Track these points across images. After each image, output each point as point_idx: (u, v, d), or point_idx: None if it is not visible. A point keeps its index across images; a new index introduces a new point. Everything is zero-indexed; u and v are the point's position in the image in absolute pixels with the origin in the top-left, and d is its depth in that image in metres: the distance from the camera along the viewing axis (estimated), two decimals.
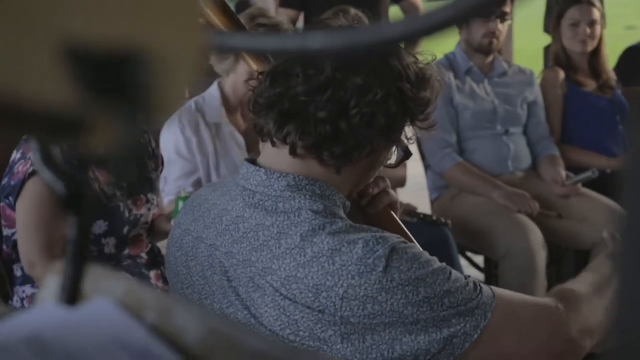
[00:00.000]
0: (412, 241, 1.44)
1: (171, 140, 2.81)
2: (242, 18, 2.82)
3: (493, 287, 1.33)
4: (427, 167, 3.60)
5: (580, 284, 1.45)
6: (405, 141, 1.40)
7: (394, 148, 1.41)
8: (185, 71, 0.37)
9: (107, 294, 0.64)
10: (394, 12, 4.63)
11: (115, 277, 0.66)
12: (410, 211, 3.14)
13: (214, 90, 2.88)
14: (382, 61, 1.30)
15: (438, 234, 3.07)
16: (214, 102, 2.85)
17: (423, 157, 3.62)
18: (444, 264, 1.29)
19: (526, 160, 3.51)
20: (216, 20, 1.46)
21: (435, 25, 0.41)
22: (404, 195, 4.14)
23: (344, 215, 1.32)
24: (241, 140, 2.84)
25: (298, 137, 1.31)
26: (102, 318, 0.61)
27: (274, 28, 2.81)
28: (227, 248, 1.34)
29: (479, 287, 1.28)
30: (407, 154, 1.43)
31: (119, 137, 0.36)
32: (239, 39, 0.46)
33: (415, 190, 4.47)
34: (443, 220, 3.13)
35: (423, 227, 3.08)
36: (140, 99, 0.35)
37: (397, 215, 1.53)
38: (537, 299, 1.38)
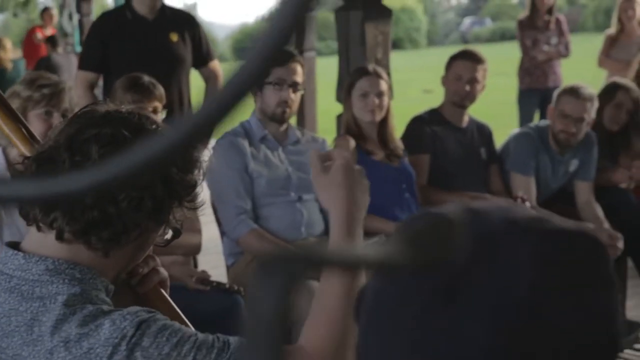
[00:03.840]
0: (181, 318, 1.45)
1: None
2: (23, 84, 2.77)
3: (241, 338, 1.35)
4: (222, 233, 3.61)
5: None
6: (174, 222, 1.41)
7: (164, 227, 1.43)
8: None
9: None
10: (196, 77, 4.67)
11: None
12: (203, 279, 3.14)
13: None
14: None
15: (231, 302, 3.08)
16: None
17: (219, 222, 3.64)
18: (192, 330, 1.30)
19: (319, 226, 3.60)
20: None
21: (112, 178, 0.44)
22: (204, 259, 4.12)
23: (105, 298, 1.32)
24: None
25: (65, 222, 1.30)
26: None
27: (55, 86, 2.78)
28: None
29: (226, 344, 1.30)
30: (176, 234, 1.45)
31: None
32: None
33: (215, 252, 4.46)
34: (236, 287, 3.15)
35: (216, 295, 3.09)
36: None
37: (167, 293, 1.54)
38: None
